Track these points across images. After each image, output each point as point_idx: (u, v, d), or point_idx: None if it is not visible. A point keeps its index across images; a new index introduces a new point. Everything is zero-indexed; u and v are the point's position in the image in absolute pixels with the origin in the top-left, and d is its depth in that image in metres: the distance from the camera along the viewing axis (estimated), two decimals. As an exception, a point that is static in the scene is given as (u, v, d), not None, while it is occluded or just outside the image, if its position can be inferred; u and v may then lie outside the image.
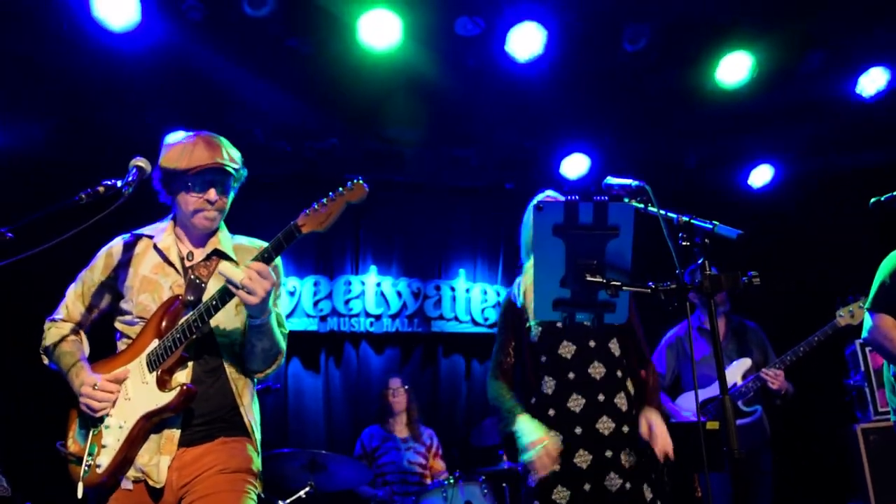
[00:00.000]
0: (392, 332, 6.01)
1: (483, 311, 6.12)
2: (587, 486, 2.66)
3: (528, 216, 3.03)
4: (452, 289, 6.14)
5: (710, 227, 1.97)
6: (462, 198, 6.29)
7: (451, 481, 4.15)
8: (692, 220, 2.03)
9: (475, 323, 6.11)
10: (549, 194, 3.00)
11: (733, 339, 4.70)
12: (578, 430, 2.73)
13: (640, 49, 4.83)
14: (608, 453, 2.70)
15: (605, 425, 2.74)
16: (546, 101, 5.23)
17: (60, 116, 5.09)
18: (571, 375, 2.78)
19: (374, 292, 6.03)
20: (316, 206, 2.21)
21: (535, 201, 2.98)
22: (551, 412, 2.77)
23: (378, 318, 6.00)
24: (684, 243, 1.97)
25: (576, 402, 2.75)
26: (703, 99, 5.22)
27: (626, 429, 2.75)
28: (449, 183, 6.25)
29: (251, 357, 2.38)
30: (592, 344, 2.81)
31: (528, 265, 2.99)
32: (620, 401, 2.78)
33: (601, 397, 2.76)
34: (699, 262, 1.97)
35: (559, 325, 2.83)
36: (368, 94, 5.01)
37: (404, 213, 6.23)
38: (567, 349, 2.81)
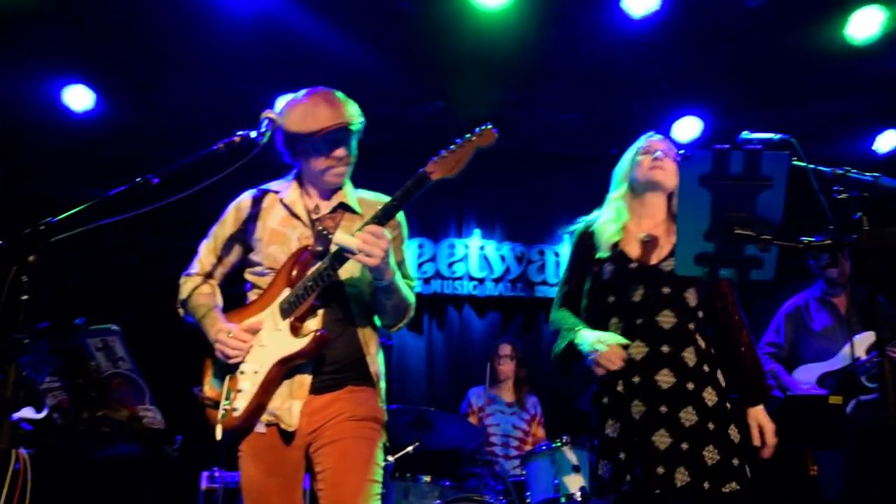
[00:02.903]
0: (495, 296, 6.01)
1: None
2: (636, 439, 2.49)
3: (632, 147, 2.90)
4: (556, 254, 6.06)
5: (872, 179, 1.84)
6: (567, 161, 6.18)
7: (559, 444, 4.12)
8: (849, 173, 1.91)
9: (578, 289, 6.02)
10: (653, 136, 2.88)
11: (857, 313, 4.47)
12: (636, 380, 2.54)
13: (761, 4, 4.60)
14: (663, 408, 2.50)
15: (665, 378, 2.54)
16: (658, 60, 5.06)
17: (165, 83, 5.22)
18: (639, 321, 2.59)
19: (477, 256, 6.03)
20: (444, 154, 2.20)
21: (638, 143, 2.88)
22: None
23: (481, 281, 6.00)
24: (841, 196, 1.85)
25: (638, 350, 2.56)
26: (828, 57, 4.93)
27: (690, 385, 2.53)
28: (553, 147, 6.14)
29: (382, 313, 2.42)
30: (666, 290, 2.60)
31: (611, 197, 2.87)
32: (688, 355, 2.55)
33: (665, 349, 2.55)
34: (856, 216, 1.85)
35: (633, 266, 2.65)
36: (476, 55, 4.95)
37: (508, 177, 6.16)
38: (638, 293, 2.62)
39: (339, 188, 2.51)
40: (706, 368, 2.58)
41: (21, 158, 5.39)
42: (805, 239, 1.84)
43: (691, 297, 2.63)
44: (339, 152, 2.41)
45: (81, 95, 5.18)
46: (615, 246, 2.71)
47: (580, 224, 2.90)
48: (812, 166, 2.00)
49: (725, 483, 2.45)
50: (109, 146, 5.40)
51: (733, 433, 2.54)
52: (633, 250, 2.70)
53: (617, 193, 2.86)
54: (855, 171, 1.91)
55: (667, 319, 2.58)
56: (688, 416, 2.50)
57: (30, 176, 5.41)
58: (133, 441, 2.55)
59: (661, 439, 2.47)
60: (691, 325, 2.61)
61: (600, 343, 2.53)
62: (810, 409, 3.74)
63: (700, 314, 2.64)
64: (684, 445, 2.46)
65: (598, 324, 2.68)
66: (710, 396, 2.55)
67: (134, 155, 5.20)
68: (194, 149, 2.24)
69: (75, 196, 2.19)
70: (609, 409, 2.60)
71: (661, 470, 2.43)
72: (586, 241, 2.81)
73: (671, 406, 2.51)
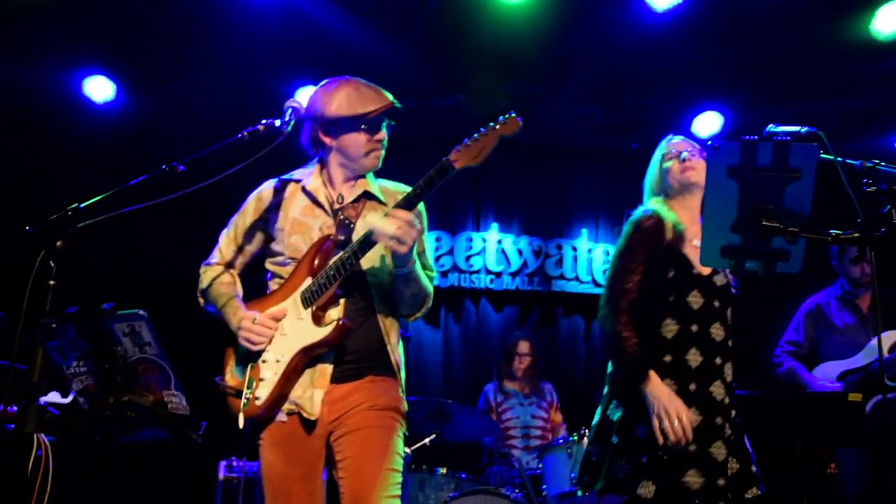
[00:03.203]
0: (512, 290, 6.02)
1: (605, 272, 6.00)
2: (692, 448, 2.45)
3: (656, 155, 2.88)
4: (574, 248, 6.06)
5: (902, 172, 1.82)
6: (586, 155, 6.18)
7: (576, 438, 4.12)
8: (878, 166, 1.89)
9: (596, 284, 6.02)
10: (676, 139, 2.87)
11: (882, 312, 4.42)
12: (693, 387, 2.52)
13: (785, -2, 4.56)
14: (718, 419, 2.51)
15: (717, 390, 2.55)
16: (680, 55, 5.02)
17: (185, 74, 5.23)
18: (694, 328, 2.58)
19: (494, 249, 6.04)
20: (468, 142, 2.18)
21: (660, 150, 2.86)
22: (667, 358, 2.55)
23: (498, 275, 6.01)
24: (870, 189, 1.83)
25: (694, 357, 2.56)
26: (853, 52, 4.87)
27: (727, 400, 2.57)
28: (573, 141, 6.13)
29: (401, 302, 2.41)
30: (717, 304, 2.62)
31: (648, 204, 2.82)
32: (728, 370, 2.61)
33: (718, 360, 2.58)
34: (884, 209, 1.83)
35: (694, 272, 2.62)
36: (496, 48, 4.93)
37: (527, 171, 6.16)
38: (695, 299, 2.60)
39: (360, 177, 2.51)
40: (733, 385, 2.66)
41: (43, 149, 5.44)
42: (833, 232, 1.82)
43: (730, 314, 2.69)
44: (381, 135, 2.46)
45: (102, 86, 5.22)
46: (679, 244, 2.65)
47: (641, 213, 2.73)
48: (840, 159, 1.98)
49: (747, 489, 2.49)
50: (130, 136, 5.43)
51: (747, 442, 2.61)
52: (692, 255, 2.64)
53: (653, 203, 2.81)
54: (884, 163, 1.89)
55: (718, 332, 2.62)
56: (729, 430, 2.55)
57: (52, 165, 5.45)
58: (158, 426, 2.57)
59: (719, 451, 2.49)
60: (730, 342, 2.66)
61: (674, 410, 2.44)
62: (829, 407, 3.69)
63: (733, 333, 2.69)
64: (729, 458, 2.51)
65: (651, 322, 2.61)
66: (733, 411, 2.61)
67: (154, 146, 5.22)
68: (216, 138, 2.25)
69: (97, 185, 2.20)
70: (645, 411, 2.51)
71: (721, 482, 2.45)
72: (654, 229, 2.65)
73: (724, 417, 2.54)
